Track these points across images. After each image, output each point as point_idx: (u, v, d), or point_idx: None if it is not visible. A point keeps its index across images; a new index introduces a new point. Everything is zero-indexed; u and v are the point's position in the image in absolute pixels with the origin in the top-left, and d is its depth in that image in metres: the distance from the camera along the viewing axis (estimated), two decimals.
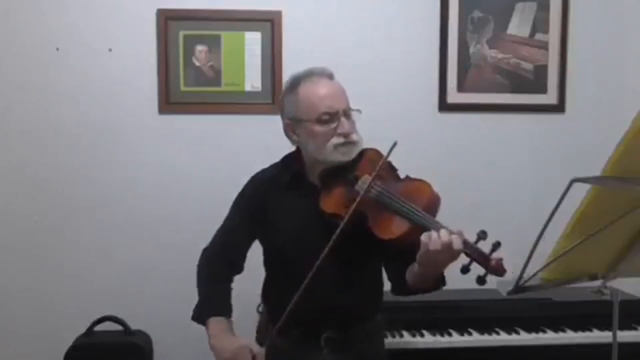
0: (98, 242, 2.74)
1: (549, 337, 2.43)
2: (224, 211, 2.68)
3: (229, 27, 2.74)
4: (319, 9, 2.78)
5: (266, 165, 2.06)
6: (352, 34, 2.78)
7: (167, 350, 2.72)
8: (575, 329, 2.47)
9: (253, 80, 2.77)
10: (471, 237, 1.62)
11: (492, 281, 1.60)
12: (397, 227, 1.71)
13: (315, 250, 1.79)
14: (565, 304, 2.52)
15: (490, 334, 2.43)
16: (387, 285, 2.00)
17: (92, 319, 2.58)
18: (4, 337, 2.71)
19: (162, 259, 2.76)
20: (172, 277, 2.76)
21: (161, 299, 2.76)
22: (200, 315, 1.94)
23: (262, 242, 2.01)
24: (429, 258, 1.64)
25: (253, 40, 2.76)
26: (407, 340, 2.36)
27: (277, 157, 2.07)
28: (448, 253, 1.61)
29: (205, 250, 2.06)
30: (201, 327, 2.80)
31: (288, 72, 2.72)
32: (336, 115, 1.84)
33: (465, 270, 1.58)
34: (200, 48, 2.74)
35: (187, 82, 2.75)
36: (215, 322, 1.90)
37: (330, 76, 1.91)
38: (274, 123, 2.73)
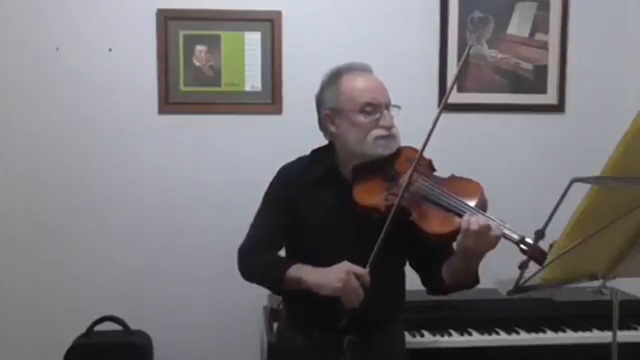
0: (98, 242, 2.74)
1: (549, 337, 2.43)
2: (224, 211, 2.70)
3: (229, 27, 2.74)
4: (319, 9, 2.78)
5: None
6: (352, 34, 2.78)
7: (167, 350, 2.72)
8: (575, 329, 2.46)
9: (253, 80, 2.77)
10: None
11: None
12: (448, 223, 1.67)
13: (345, 246, 1.79)
14: (565, 304, 2.52)
15: (490, 334, 2.43)
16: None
17: (92, 319, 2.58)
18: (4, 337, 2.71)
19: (162, 258, 2.76)
20: (172, 277, 2.76)
21: (161, 299, 2.76)
22: (277, 279, 1.81)
23: (288, 238, 1.95)
24: (468, 243, 1.62)
25: (253, 40, 2.75)
26: (407, 340, 2.33)
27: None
28: (486, 238, 1.60)
29: (241, 249, 1.96)
30: (200, 328, 2.81)
31: (288, 72, 2.75)
32: (379, 108, 1.84)
33: (523, 266, 1.51)
34: (200, 48, 2.74)
35: (187, 82, 2.75)
36: (297, 268, 1.78)
37: (370, 72, 1.92)
38: (274, 123, 2.77)
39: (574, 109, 2.92)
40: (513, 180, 2.90)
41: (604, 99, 2.93)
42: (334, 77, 1.89)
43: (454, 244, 1.71)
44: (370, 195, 1.78)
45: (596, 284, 1.58)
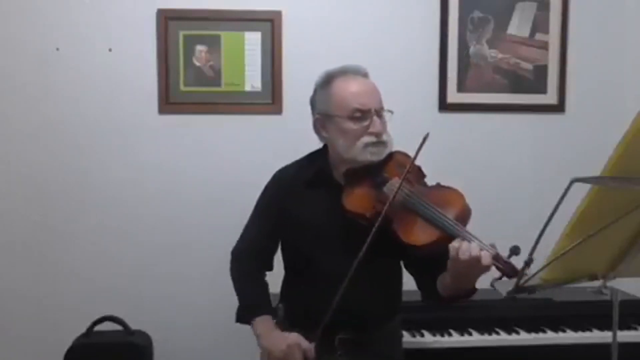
0: (98, 242, 2.74)
1: (549, 337, 2.43)
2: (224, 211, 2.70)
3: (229, 27, 2.74)
4: (319, 9, 2.78)
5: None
6: (352, 34, 2.78)
7: (167, 350, 2.72)
8: (575, 329, 2.47)
9: (253, 80, 2.77)
10: (504, 251, 1.60)
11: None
12: (425, 234, 1.67)
13: (335, 247, 1.80)
14: (565, 304, 2.52)
15: (490, 334, 2.43)
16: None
17: (92, 319, 2.58)
18: (4, 337, 2.71)
19: (162, 259, 2.76)
20: (172, 277, 2.76)
21: (161, 299, 2.76)
22: (245, 316, 1.94)
23: (282, 240, 1.99)
24: (458, 269, 1.61)
25: (253, 40, 2.75)
26: (407, 340, 2.35)
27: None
28: (476, 267, 1.59)
29: (233, 252, 2.04)
30: (200, 328, 2.81)
31: (288, 72, 2.75)
32: (368, 113, 1.82)
33: (495, 281, 1.55)
34: (200, 48, 2.74)
35: (187, 82, 2.75)
36: (261, 321, 1.89)
37: (364, 75, 1.90)
38: (274, 123, 2.77)
39: (574, 109, 2.92)
40: (513, 180, 2.90)
41: (604, 99, 2.93)
42: (326, 82, 1.89)
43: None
44: (358, 202, 1.79)
45: (596, 284, 1.58)
